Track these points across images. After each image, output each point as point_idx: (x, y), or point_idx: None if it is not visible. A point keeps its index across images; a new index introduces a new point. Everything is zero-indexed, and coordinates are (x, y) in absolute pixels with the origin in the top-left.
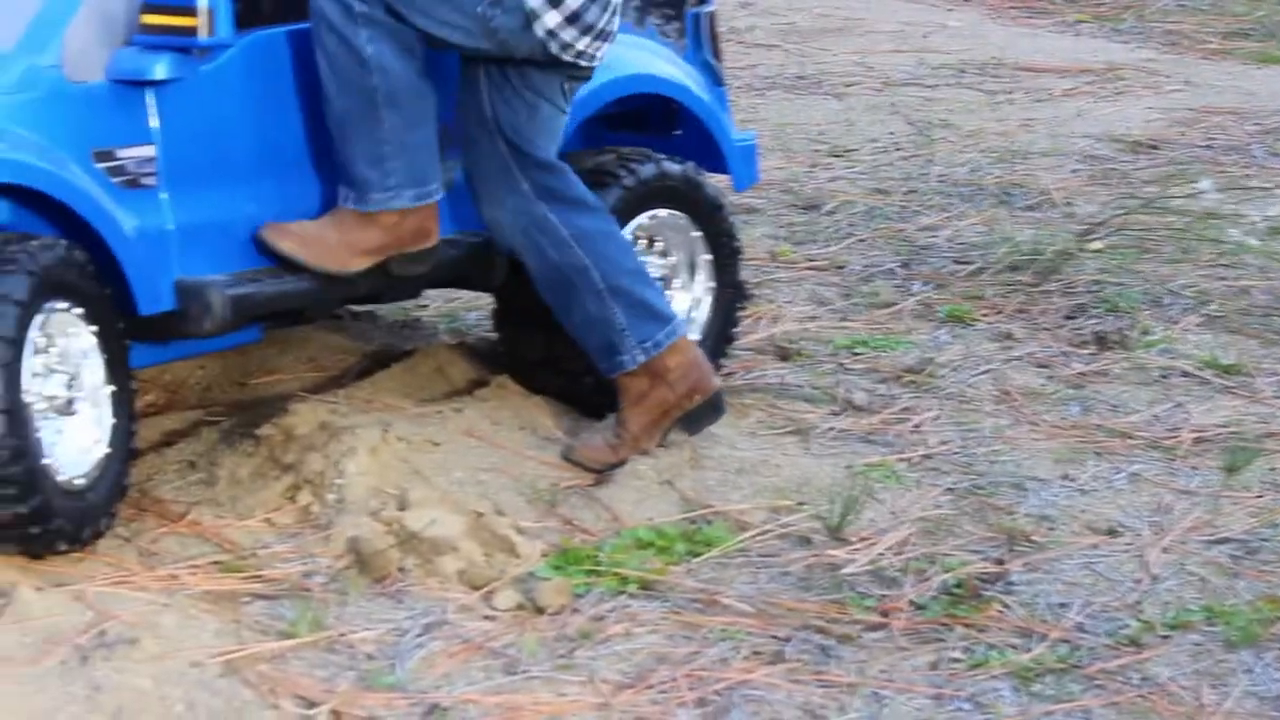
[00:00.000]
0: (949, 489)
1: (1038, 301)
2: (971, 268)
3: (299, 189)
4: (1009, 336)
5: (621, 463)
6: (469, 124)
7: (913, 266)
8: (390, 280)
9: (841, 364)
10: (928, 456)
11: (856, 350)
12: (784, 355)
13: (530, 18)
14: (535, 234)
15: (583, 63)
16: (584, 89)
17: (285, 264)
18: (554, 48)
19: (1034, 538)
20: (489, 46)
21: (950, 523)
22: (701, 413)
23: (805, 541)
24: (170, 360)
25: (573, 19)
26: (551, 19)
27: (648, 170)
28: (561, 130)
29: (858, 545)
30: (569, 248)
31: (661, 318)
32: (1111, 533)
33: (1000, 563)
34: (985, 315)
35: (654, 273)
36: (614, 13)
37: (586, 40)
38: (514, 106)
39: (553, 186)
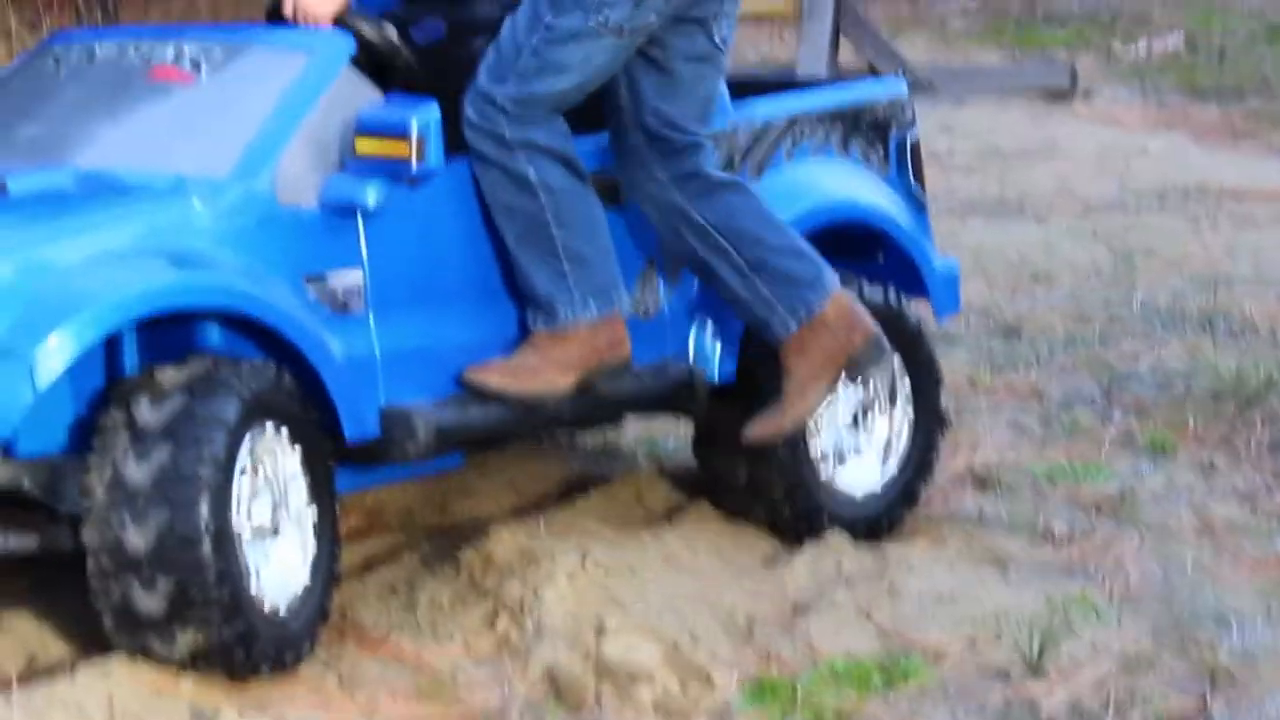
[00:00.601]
0: (1150, 622)
1: (1241, 432)
2: (1174, 396)
3: (502, 314)
4: (1212, 467)
5: (796, 422)
6: (613, 117)
7: (1114, 394)
8: (594, 402)
9: (1041, 493)
10: (1128, 589)
11: (1056, 479)
12: (982, 484)
13: None
14: (673, 220)
15: None
16: (789, 213)
17: (494, 396)
18: None
19: (1237, 675)
20: (627, 43)
21: (1151, 658)
22: (865, 356)
23: (1003, 675)
24: (373, 484)
25: None
26: None
27: None
28: (714, 100)
29: (1056, 680)
30: (706, 233)
31: (809, 284)
32: None
33: (1203, 700)
34: (1187, 445)
35: (852, 401)
36: None
37: None
38: (653, 83)
39: (687, 173)
